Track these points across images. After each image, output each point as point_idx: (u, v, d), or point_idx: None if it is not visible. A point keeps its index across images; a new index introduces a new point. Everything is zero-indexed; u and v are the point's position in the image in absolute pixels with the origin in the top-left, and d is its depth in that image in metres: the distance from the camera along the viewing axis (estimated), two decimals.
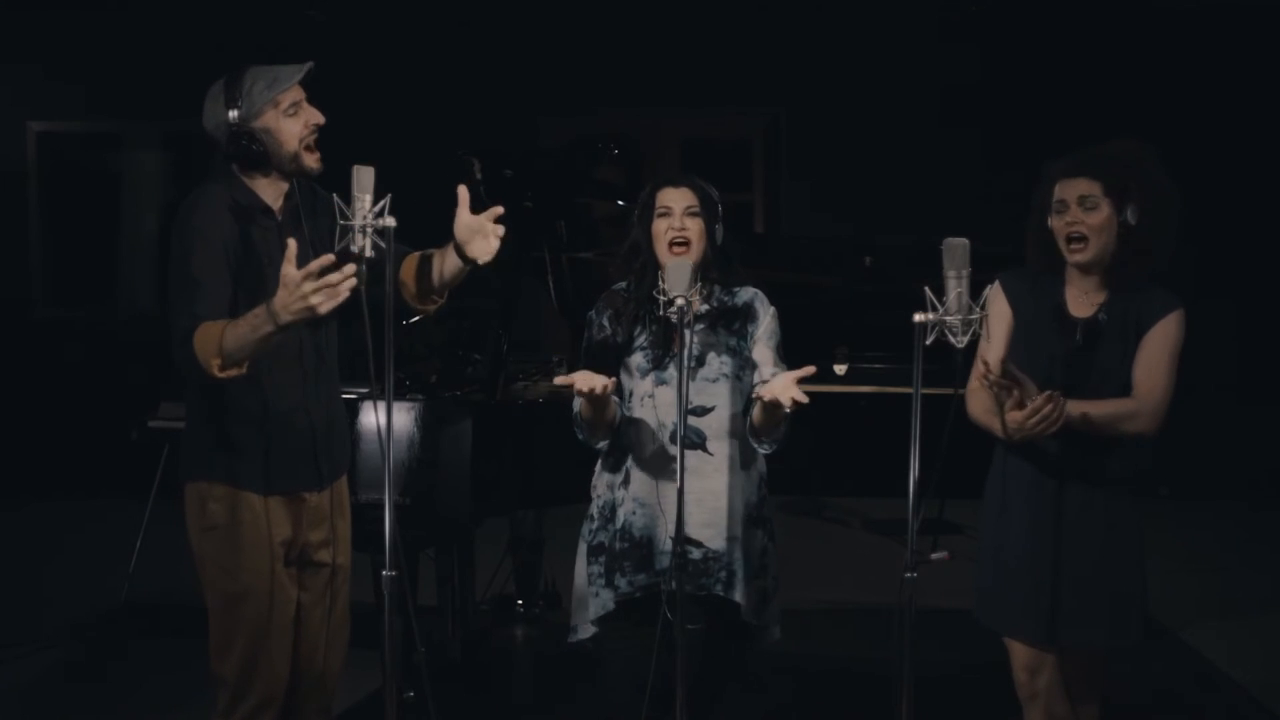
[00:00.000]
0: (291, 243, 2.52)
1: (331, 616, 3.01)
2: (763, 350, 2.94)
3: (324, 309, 2.49)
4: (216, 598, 2.86)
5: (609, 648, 2.97)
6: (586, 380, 2.74)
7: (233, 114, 2.77)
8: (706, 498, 2.88)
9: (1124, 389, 2.82)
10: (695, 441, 2.89)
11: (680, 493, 2.65)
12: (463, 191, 2.79)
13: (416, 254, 2.96)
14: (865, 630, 4.97)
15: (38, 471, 7.33)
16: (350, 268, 2.45)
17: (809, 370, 2.71)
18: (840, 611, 5.21)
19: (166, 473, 4.95)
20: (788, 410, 2.68)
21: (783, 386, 2.68)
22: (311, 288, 2.46)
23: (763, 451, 2.93)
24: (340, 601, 3.03)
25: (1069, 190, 2.82)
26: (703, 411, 2.90)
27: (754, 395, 2.85)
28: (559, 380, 2.82)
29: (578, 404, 2.91)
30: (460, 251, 2.82)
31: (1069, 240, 2.82)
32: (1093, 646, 2.90)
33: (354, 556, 3.10)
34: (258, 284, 2.77)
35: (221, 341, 2.58)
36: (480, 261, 2.82)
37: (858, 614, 5.18)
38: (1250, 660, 4.69)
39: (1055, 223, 2.84)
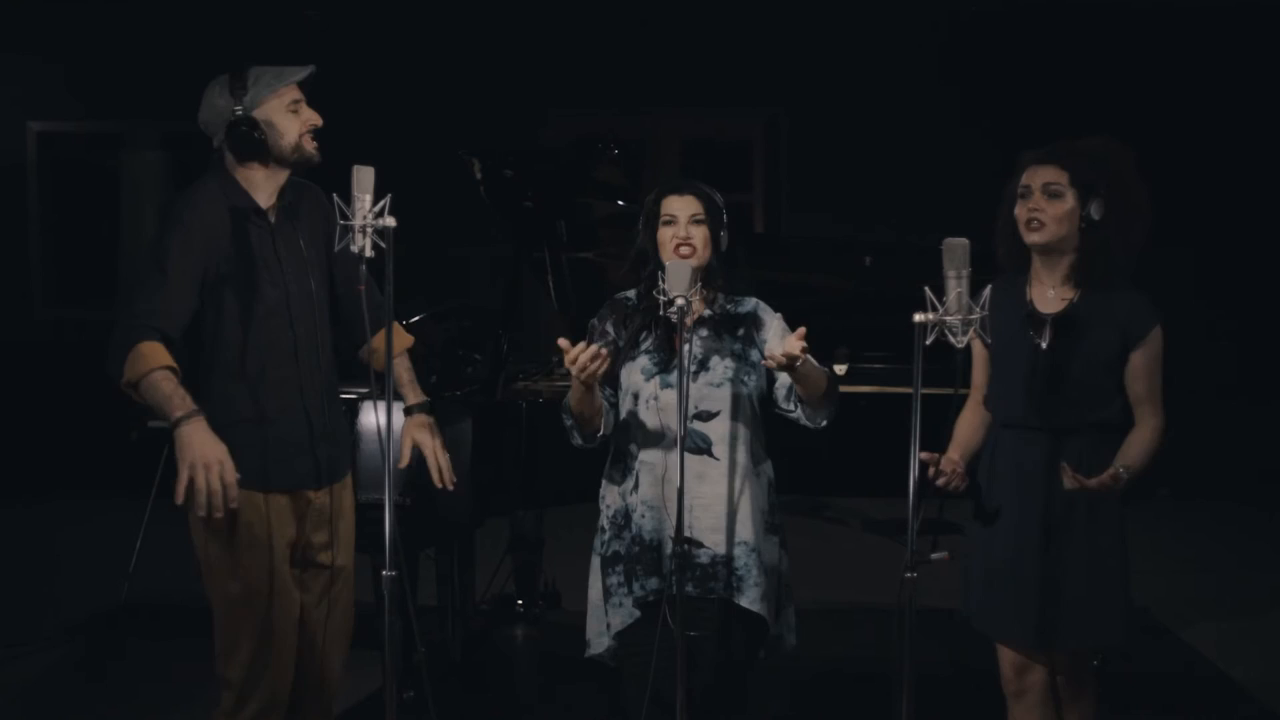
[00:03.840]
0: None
1: (332, 618, 3.00)
2: (777, 344, 2.92)
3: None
4: (220, 600, 2.86)
5: (619, 653, 2.95)
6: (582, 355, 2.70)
7: (236, 104, 2.79)
8: (713, 502, 2.86)
9: (1101, 387, 2.81)
10: (701, 446, 2.88)
11: (680, 494, 2.65)
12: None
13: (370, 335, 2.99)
14: (865, 630, 4.96)
15: (38, 471, 7.32)
16: (232, 499, 2.63)
17: (801, 331, 2.70)
18: (840, 611, 5.20)
19: (166, 473, 4.93)
20: (793, 362, 2.65)
21: (784, 345, 2.68)
22: (216, 484, 2.61)
23: (820, 424, 2.89)
24: (341, 603, 3.03)
25: (1035, 177, 2.82)
26: (708, 416, 2.89)
27: (767, 363, 2.86)
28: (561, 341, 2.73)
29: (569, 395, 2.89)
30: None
31: (1027, 224, 2.82)
32: (1080, 648, 2.90)
33: (354, 557, 3.10)
34: (247, 284, 2.80)
35: (141, 383, 2.70)
36: None
37: (857, 614, 5.17)
38: (1249, 659, 4.68)
39: (1019, 209, 2.84)
